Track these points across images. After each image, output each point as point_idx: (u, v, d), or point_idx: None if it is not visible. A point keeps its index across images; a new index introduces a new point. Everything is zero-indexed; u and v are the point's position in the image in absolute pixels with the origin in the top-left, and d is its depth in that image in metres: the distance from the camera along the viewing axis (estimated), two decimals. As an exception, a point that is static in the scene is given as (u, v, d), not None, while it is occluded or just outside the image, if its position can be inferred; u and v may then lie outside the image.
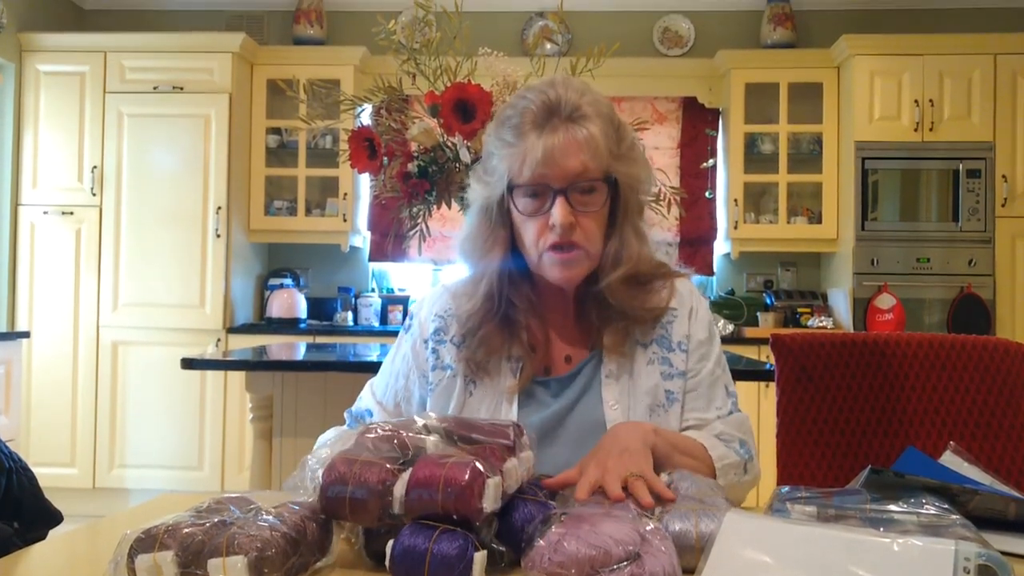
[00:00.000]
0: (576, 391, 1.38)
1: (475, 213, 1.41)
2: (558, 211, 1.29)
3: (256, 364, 2.81)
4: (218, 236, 4.71)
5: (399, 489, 0.92)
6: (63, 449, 4.69)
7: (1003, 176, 4.58)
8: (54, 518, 1.79)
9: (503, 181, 1.33)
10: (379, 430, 1.02)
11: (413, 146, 2.30)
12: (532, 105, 1.31)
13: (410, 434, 1.01)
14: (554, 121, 1.30)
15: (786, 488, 1.12)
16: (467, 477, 0.89)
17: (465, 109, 2.15)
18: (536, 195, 1.32)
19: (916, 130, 4.62)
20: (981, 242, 4.59)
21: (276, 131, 5.15)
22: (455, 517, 0.89)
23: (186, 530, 0.86)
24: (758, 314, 4.97)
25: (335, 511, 0.95)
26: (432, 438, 1.02)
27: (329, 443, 1.07)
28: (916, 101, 4.62)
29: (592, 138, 1.30)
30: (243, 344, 4.57)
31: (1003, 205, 4.58)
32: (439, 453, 0.97)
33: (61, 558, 1.11)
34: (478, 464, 0.91)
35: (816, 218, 4.98)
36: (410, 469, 0.94)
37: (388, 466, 0.94)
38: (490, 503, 0.90)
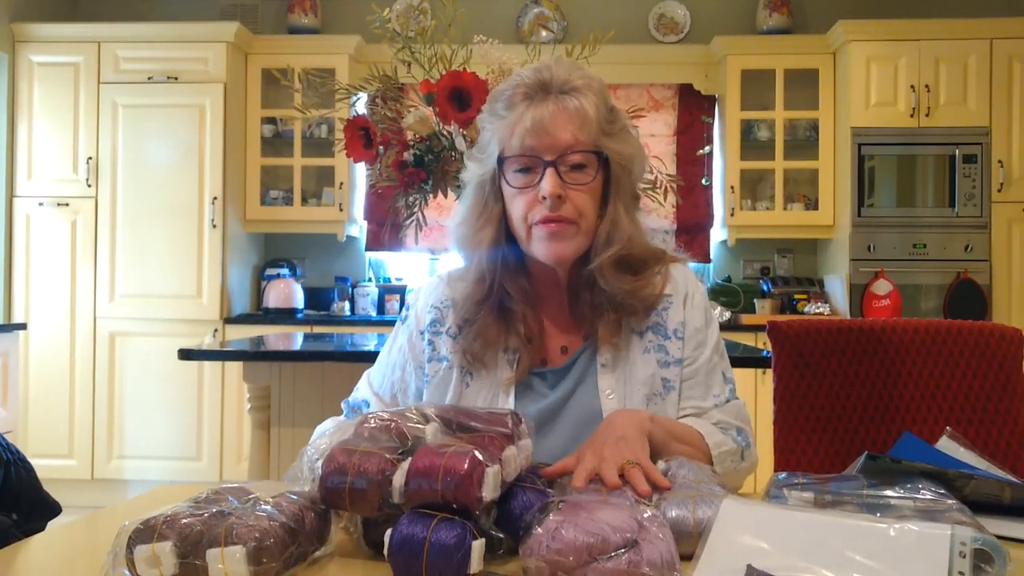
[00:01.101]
0: (572, 381, 1.38)
1: (469, 194, 1.41)
2: (547, 182, 1.28)
3: (253, 354, 2.81)
4: (214, 226, 4.70)
5: (398, 479, 0.92)
6: (61, 440, 4.70)
7: (999, 161, 4.58)
8: (52, 509, 1.79)
9: (494, 155, 1.34)
10: (377, 420, 1.02)
11: (409, 135, 2.29)
12: (524, 81, 1.32)
13: (408, 423, 1.01)
14: (544, 94, 1.31)
15: (783, 474, 1.13)
16: (467, 466, 0.89)
17: (461, 97, 2.15)
18: (526, 169, 1.31)
19: (912, 116, 4.61)
20: (977, 227, 4.59)
21: (271, 120, 5.13)
22: (455, 506, 0.89)
23: (184, 520, 0.87)
24: (755, 301, 4.98)
25: (335, 501, 0.95)
26: (431, 427, 1.02)
27: (328, 433, 1.07)
28: (912, 87, 4.61)
29: (582, 109, 1.30)
30: (240, 334, 4.58)
31: (999, 190, 4.58)
32: (438, 442, 0.97)
33: (60, 549, 1.11)
34: (477, 453, 0.91)
35: (812, 204, 4.98)
36: (409, 459, 0.94)
37: (387, 456, 0.95)
38: (490, 491, 0.90)
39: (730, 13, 5.26)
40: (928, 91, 4.61)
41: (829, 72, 4.89)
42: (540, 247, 1.33)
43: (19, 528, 1.63)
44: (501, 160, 1.33)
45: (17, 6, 4.79)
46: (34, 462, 1.84)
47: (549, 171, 1.29)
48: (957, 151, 4.60)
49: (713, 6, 5.27)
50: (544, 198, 1.29)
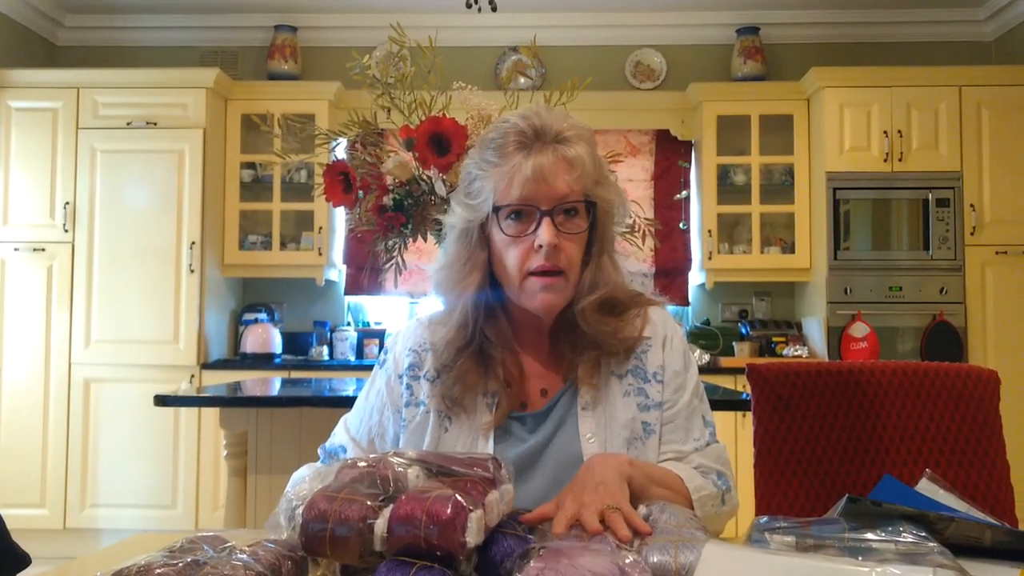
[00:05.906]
0: (552, 425, 1.37)
1: (454, 239, 1.40)
2: (545, 232, 1.29)
3: (230, 400, 2.78)
4: (192, 271, 4.68)
5: (380, 526, 0.91)
6: (32, 489, 4.60)
7: (971, 205, 4.65)
8: (22, 561, 1.75)
9: (488, 202, 1.32)
10: (359, 465, 1.01)
11: (388, 179, 2.30)
12: (516, 128, 1.32)
13: (390, 469, 1.00)
14: (540, 143, 1.30)
15: (764, 518, 1.12)
16: (450, 511, 0.88)
17: (440, 142, 2.17)
18: (521, 216, 1.31)
19: (886, 160, 4.69)
20: (952, 270, 4.65)
21: (251, 166, 5.13)
22: (438, 552, 0.88)
23: (159, 570, 0.85)
24: (733, 344, 4.99)
25: (316, 548, 0.94)
26: (412, 471, 1.01)
27: (307, 479, 1.06)
28: (885, 132, 4.69)
29: (580, 159, 1.31)
30: (217, 380, 4.54)
31: (972, 233, 4.64)
32: (420, 488, 0.96)
33: (31, 601, 1.08)
34: (460, 498, 0.90)
35: (789, 248, 5.03)
36: (391, 505, 0.93)
37: (369, 503, 0.93)
38: (473, 537, 0.89)
39: (705, 60, 5.34)
40: (901, 136, 4.68)
41: (803, 118, 4.96)
42: (533, 298, 1.33)
43: (-13, 580, 1.59)
44: (496, 208, 1.32)
45: (-4, 52, 4.80)
46: (3, 512, 1.81)
47: (546, 220, 1.30)
48: (930, 195, 4.67)
49: (688, 54, 5.36)
50: (540, 247, 1.29)
